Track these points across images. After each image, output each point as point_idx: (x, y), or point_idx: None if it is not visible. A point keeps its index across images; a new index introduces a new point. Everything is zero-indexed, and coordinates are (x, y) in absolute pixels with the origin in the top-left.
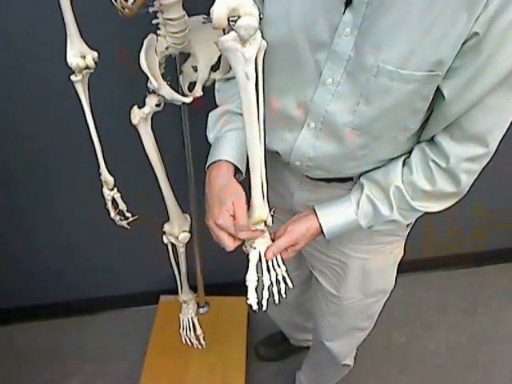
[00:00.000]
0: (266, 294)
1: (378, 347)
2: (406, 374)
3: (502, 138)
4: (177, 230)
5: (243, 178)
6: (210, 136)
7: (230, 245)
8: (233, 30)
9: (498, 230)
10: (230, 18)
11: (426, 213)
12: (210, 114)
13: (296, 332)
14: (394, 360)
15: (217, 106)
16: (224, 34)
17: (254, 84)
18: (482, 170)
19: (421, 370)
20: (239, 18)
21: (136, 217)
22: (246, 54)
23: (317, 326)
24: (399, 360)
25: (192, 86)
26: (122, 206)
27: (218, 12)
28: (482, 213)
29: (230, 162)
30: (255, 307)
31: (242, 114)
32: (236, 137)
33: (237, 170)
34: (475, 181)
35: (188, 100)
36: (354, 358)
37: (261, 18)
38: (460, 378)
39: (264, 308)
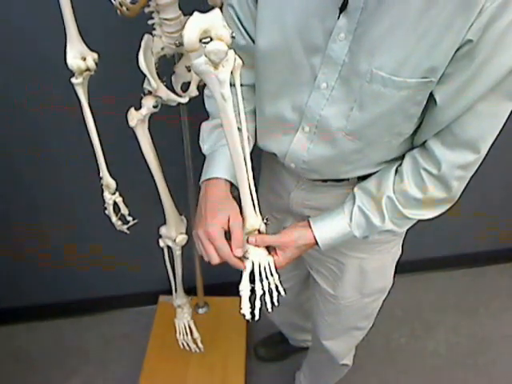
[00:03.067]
0: (258, 304)
1: (378, 348)
2: (405, 375)
3: (499, 139)
4: (174, 233)
5: (238, 192)
6: (205, 147)
7: (215, 257)
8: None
9: (497, 230)
10: (203, 40)
11: (419, 220)
12: (203, 125)
13: (295, 332)
14: (393, 360)
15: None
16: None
17: (231, 104)
18: (481, 170)
19: (420, 370)
20: (211, 39)
21: (136, 221)
22: (219, 77)
23: (315, 326)
24: (399, 360)
25: (185, 86)
26: (124, 210)
27: (189, 36)
28: (482, 213)
29: (226, 180)
30: (248, 317)
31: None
32: None
33: (232, 184)
34: (471, 184)
35: (184, 100)
36: (354, 358)
37: (233, 37)
38: (460, 379)
39: (257, 317)
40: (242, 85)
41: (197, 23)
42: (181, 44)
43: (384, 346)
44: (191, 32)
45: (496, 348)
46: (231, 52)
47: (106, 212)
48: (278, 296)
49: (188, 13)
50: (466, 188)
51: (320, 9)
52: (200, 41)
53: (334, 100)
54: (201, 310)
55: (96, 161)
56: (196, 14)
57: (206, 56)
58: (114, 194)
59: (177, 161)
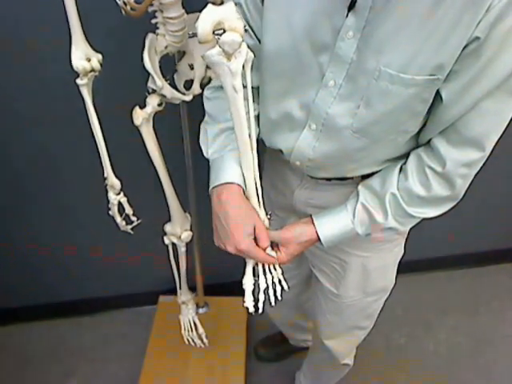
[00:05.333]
0: (261, 297)
1: (378, 348)
2: (405, 375)
3: (500, 139)
4: (179, 230)
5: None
6: (209, 151)
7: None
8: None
9: (498, 230)
10: (216, 31)
11: (423, 219)
12: (205, 127)
13: (295, 332)
14: (393, 360)
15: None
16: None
17: (242, 96)
18: (482, 170)
19: (421, 370)
20: (224, 31)
21: (140, 221)
22: (231, 68)
23: (316, 325)
24: (399, 360)
25: (188, 84)
26: (128, 210)
27: (203, 27)
28: (482, 213)
29: (238, 185)
30: (252, 310)
31: None
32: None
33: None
34: (471, 184)
35: (188, 98)
36: (354, 358)
37: (246, 30)
38: (460, 379)
39: (260, 311)
40: (245, 86)
41: (211, 15)
42: (194, 35)
43: (384, 346)
44: (205, 23)
45: (496, 348)
46: (244, 44)
47: (110, 213)
48: (281, 290)
49: (191, 11)
50: (468, 187)
51: (328, 7)
52: (213, 32)
53: (341, 98)
54: (201, 310)
55: (100, 161)
56: (210, 5)
57: (219, 47)
58: (118, 194)
59: (177, 160)
